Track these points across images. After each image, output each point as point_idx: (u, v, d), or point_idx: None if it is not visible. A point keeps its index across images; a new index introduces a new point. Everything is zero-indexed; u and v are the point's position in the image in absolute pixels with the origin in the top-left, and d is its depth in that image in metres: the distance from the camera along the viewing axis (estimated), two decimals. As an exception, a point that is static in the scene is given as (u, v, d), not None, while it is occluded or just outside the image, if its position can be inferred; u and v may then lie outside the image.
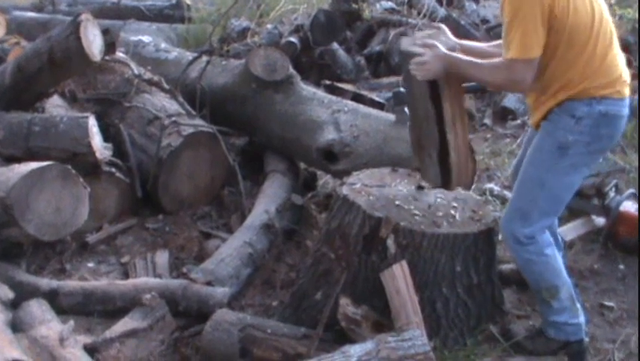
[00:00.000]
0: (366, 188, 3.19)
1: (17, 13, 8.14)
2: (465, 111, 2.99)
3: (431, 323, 2.96)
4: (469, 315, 3.10)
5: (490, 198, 4.41)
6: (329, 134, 4.03)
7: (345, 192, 3.12)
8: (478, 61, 2.75)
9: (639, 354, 3.04)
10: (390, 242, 2.95)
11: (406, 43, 2.90)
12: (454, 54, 2.81)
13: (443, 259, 2.97)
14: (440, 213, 3.07)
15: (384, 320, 2.86)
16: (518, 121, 5.67)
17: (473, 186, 4.42)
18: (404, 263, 2.88)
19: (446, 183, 2.99)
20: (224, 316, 2.96)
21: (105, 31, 4.08)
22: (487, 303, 3.17)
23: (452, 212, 3.12)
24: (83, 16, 3.82)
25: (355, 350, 2.25)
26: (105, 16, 7.87)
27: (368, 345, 2.27)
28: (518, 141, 5.35)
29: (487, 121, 5.73)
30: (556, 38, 2.64)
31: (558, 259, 2.97)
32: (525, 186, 2.87)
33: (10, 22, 7.64)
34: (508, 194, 4.44)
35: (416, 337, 2.24)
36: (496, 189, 4.52)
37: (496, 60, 2.72)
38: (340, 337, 2.82)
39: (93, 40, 3.88)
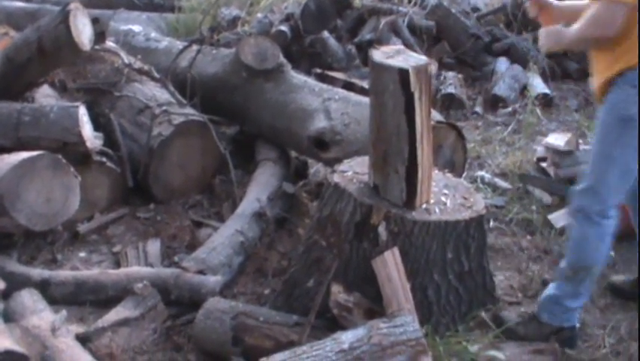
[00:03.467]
0: (358, 175, 3.19)
1: (5, 3, 8.07)
2: (430, 126, 2.95)
3: (423, 310, 2.97)
4: (461, 301, 3.11)
5: (481, 185, 4.43)
6: (320, 123, 4.02)
7: (337, 180, 3.12)
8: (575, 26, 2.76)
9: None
10: (382, 229, 2.95)
11: (378, 56, 2.87)
12: (562, 30, 2.85)
13: (434, 246, 2.97)
14: (431, 201, 3.08)
15: (376, 307, 2.86)
16: (509, 109, 5.69)
17: (464, 174, 4.45)
18: (395, 250, 2.88)
19: (410, 200, 2.96)
20: (216, 304, 2.97)
21: (95, 21, 4.05)
22: (478, 289, 3.18)
23: (443, 199, 3.12)
24: (72, 5, 3.80)
25: (347, 336, 2.26)
26: (95, 5, 7.79)
27: (359, 331, 2.28)
28: (509, 128, 5.38)
29: (478, 109, 5.73)
30: None
31: (608, 249, 2.98)
32: (594, 162, 2.85)
33: (-2, 13, 7.61)
34: (499, 181, 4.48)
35: (408, 323, 2.25)
36: (487, 176, 4.54)
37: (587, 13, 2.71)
38: (332, 324, 2.82)
39: (83, 30, 3.86)
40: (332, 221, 3.07)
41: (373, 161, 3.05)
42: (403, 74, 2.76)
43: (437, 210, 3.03)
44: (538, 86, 5.89)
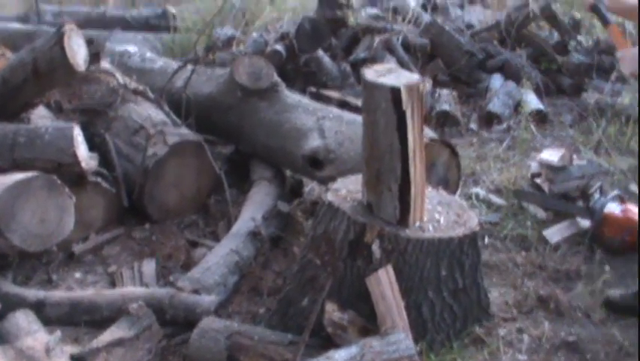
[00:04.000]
0: (351, 194, 3.20)
1: (1, 24, 8.12)
2: (423, 144, 2.97)
3: (417, 327, 2.97)
4: (455, 318, 3.11)
5: (475, 202, 4.44)
6: (314, 141, 4.04)
7: (330, 199, 3.13)
8: None
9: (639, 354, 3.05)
10: (376, 247, 2.96)
11: (370, 75, 2.89)
12: None
13: (428, 264, 2.98)
14: (425, 218, 3.09)
15: (370, 325, 2.87)
16: (504, 125, 5.71)
17: (459, 191, 4.46)
18: (389, 268, 2.89)
19: (403, 218, 2.97)
20: (210, 324, 2.97)
21: (90, 42, 4.06)
22: (472, 306, 3.18)
23: (437, 216, 3.13)
24: (67, 27, 3.81)
25: (340, 354, 2.27)
26: (91, 26, 7.86)
27: (352, 350, 2.28)
28: (504, 145, 5.39)
29: (472, 126, 5.76)
30: None
31: None
32: None
33: (-5, 34, 7.64)
34: (493, 198, 4.49)
35: (400, 340, 2.25)
36: (482, 193, 4.55)
37: None
38: (327, 343, 2.82)
39: (77, 51, 3.87)
40: (326, 239, 3.08)
41: (367, 179, 3.06)
42: (395, 92, 2.79)
43: (431, 227, 3.04)
44: (532, 102, 5.91)
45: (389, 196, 2.97)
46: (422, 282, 3.00)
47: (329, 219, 3.09)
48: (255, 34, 6.86)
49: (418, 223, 3.04)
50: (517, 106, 5.88)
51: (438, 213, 3.16)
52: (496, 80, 6.26)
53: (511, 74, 6.32)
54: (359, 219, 2.98)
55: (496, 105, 5.84)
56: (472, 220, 3.14)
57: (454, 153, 3.85)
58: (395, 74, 2.91)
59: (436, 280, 3.02)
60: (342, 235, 3.02)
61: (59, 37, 3.78)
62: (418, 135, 2.91)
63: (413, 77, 2.92)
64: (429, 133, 3.89)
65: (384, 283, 2.86)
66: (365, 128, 3.01)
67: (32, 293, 3.37)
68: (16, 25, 8.04)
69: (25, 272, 3.73)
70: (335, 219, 3.05)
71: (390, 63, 3.14)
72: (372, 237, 2.95)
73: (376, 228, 2.94)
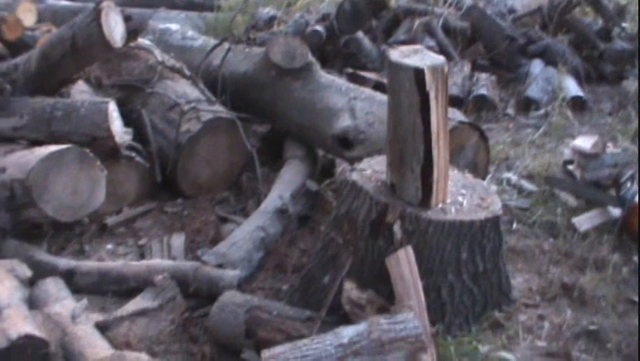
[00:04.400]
0: (376, 174, 3.21)
1: (51, 1, 8.29)
2: (447, 126, 2.96)
3: (436, 309, 2.98)
4: (475, 302, 3.11)
5: (506, 187, 4.42)
6: (344, 122, 4.07)
7: (354, 178, 3.15)
8: None
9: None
10: (397, 228, 2.97)
11: (395, 56, 2.89)
12: None
13: (449, 246, 2.98)
14: (448, 200, 3.09)
15: (389, 305, 2.89)
16: (541, 111, 5.63)
17: (490, 175, 4.45)
18: (409, 249, 2.90)
19: (425, 200, 2.98)
20: (231, 297, 3.03)
21: (127, 19, 4.15)
22: (493, 290, 3.17)
23: (460, 199, 3.13)
24: (105, 3, 3.91)
25: (347, 331, 2.30)
26: (136, 4, 7.98)
27: (360, 327, 2.31)
28: (540, 131, 5.34)
29: (509, 111, 5.70)
30: None
31: None
32: None
33: (45, 11, 7.80)
34: (525, 184, 4.45)
35: (409, 320, 2.27)
36: (514, 178, 4.51)
37: None
38: (344, 320, 2.84)
39: (114, 27, 3.97)
40: (348, 219, 3.10)
41: (390, 160, 3.07)
42: (419, 73, 2.78)
43: (453, 210, 3.04)
44: (571, 88, 5.82)
45: (411, 177, 2.98)
46: (442, 264, 3.01)
47: (352, 198, 3.11)
48: (296, 15, 6.88)
49: (440, 205, 3.04)
50: (556, 92, 5.80)
51: (461, 196, 3.16)
52: (537, 66, 6.18)
53: (551, 59, 6.23)
54: (381, 200, 2.99)
55: (534, 91, 5.77)
56: (496, 204, 3.12)
57: (483, 136, 3.84)
58: (420, 55, 2.91)
59: (456, 263, 3.02)
60: (364, 214, 3.04)
61: (97, 14, 3.88)
62: (442, 117, 2.91)
63: (438, 58, 2.91)
64: (458, 116, 3.88)
65: (403, 264, 2.87)
66: (389, 108, 3.02)
67: (63, 262, 3.49)
68: (65, 3, 8.21)
69: (59, 242, 3.85)
70: (358, 198, 3.08)
71: (418, 45, 3.09)
72: (394, 217, 2.97)
73: (398, 208, 2.96)
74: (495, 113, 5.66)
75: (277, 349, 2.31)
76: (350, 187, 3.14)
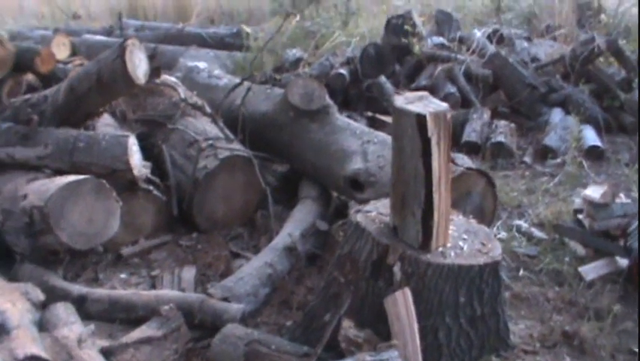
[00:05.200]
0: (380, 216, 3.29)
1: (87, 36, 8.59)
2: (450, 173, 3.03)
3: (433, 351, 3.03)
4: (472, 346, 3.14)
5: (516, 234, 4.46)
6: (356, 164, 4.16)
7: (359, 219, 3.23)
8: None
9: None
10: (397, 269, 3.04)
11: (399, 101, 2.98)
12: None
13: (447, 289, 3.03)
14: (449, 244, 3.15)
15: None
16: (558, 160, 5.68)
17: (499, 222, 4.50)
18: (407, 290, 2.96)
19: (426, 243, 3.04)
20: (233, 330, 3.10)
21: (151, 56, 4.31)
22: (490, 335, 3.21)
23: (461, 243, 3.19)
24: (129, 41, 4.06)
25: (334, 366, 2.36)
26: (169, 41, 8.25)
27: (346, 362, 2.38)
28: (555, 179, 5.38)
29: (526, 159, 5.75)
30: None
31: None
32: None
33: (80, 45, 8.11)
34: (535, 231, 4.49)
35: (393, 358, 2.33)
36: (524, 226, 4.55)
37: None
38: (341, 358, 2.92)
39: (138, 64, 4.11)
40: (351, 259, 3.18)
41: (392, 203, 3.14)
42: (421, 119, 2.87)
43: (452, 253, 3.09)
44: (589, 137, 5.87)
45: (412, 221, 3.04)
46: (440, 307, 3.06)
47: (355, 239, 3.18)
48: (322, 58, 7.04)
49: (440, 249, 3.10)
50: (574, 141, 5.84)
51: (462, 241, 3.21)
52: (557, 115, 6.24)
53: (572, 108, 6.28)
54: (383, 241, 3.06)
55: (552, 139, 5.82)
56: (496, 250, 3.17)
57: (490, 182, 3.90)
58: (425, 102, 3.00)
59: (454, 306, 3.07)
60: (366, 255, 3.11)
61: (121, 51, 4.02)
62: (444, 163, 2.98)
63: (441, 105, 3.00)
64: (466, 162, 3.95)
65: (401, 305, 2.93)
66: (393, 153, 3.10)
67: (76, 288, 3.60)
68: (100, 38, 8.50)
69: (75, 269, 3.98)
70: (361, 239, 3.15)
71: (422, 92, 3.17)
72: (394, 259, 3.03)
73: (399, 250, 3.03)
74: (512, 161, 5.72)
75: (265, 381, 2.38)
76: (354, 228, 3.22)
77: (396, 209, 3.13)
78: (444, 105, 3.01)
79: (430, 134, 2.89)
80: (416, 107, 2.93)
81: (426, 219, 3.02)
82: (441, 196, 3.01)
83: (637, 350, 3.39)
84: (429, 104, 2.99)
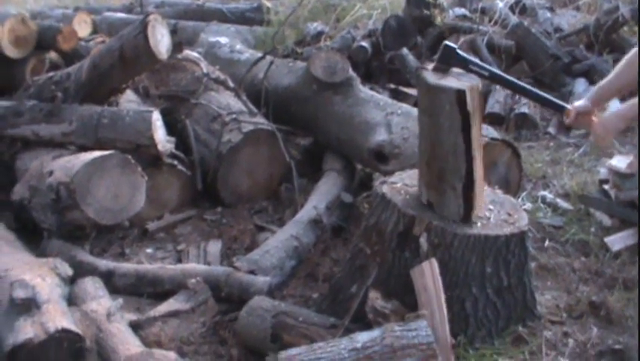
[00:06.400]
0: (406, 187, 3.28)
1: (108, 13, 8.60)
2: (481, 142, 3.03)
3: (459, 322, 3.03)
4: (498, 316, 3.14)
5: (541, 205, 4.43)
6: (380, 136, 4.15)
7: (384, 191, 3.22)
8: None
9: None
10: (423, 240, 3.03)
11: (431, 78, 2.95)
12: (615, 111, 2.85)
13: (474, 260, 3.03)
14: (477, 215, 3.14)
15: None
16: (583, 131, 5.61)
17: (525, 193, 4.47)
18: (434, 261, 2.96)
19: (467, 216, 3.04)
20: (260, 302, 3.12)
21: (173, 32, 4.31)
22: (517, 305, 3.20)
23: (487, 214, 3.18)
24: (151, 17, 4.06)
25: (362, 336, 2.37)
26: (190, 17, 8.24)
27: (375, 333, 2.39)
28: (580, 150, 5.33)
29: (551, 129, 5.71)
30: None
31: None
32: None
33: (101, 22, 8.12)
34: (560, 202, 4.46)
35: (421, 328, 2.34)
36: (549, 196, 4.52)
37: None
38: (368, 329, 2.92)
39: (160, 40, 4.12)
40: (377, 230, 3.18)
41: (427, 179, 3.12)
42: (460, 94, 2.86)
43: (479, 224, 3.09)
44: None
45: (453, 195, 3.03)
46: (466, 277, 3.05)
47: (381, 210, 3.18)
48: (344, 31, 6.99)
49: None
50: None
51: (489, 211, 3.20)
52: (581, 85, 6.16)
53: (596, 78, 6.20)
54: (409, 212, 3.05)
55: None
56: (522, 220, 3.16)
57: (515, 153, 3.88)
58: (454, 76, 2.98)
59: (481, 277, 3.06)
60: (392, 226, 3.10)
61: (144, 27, 4.03)
62: (478, 135, 2.99)
63: (472, 77, 2.98)
64: (491, 132, 3.93)
65: (428, 276, 2.93)
66: (426, 130, 3.08)
67: (103, 263, 3.64)
68: (121, 15, 8.50)
69: (102, 245, 4.01)
70: (387, 210, 3.14)
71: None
72: (421, 230, 3.03)
73: (425, 221, 3.02)
74: (536, 132, 5.68)
75: (293, 351, 2.40)
76: (380, 199, 3.21)
77: (431, 185, 3.10)
78: (474, 77, 2.99)
79: (469, 108, 2.88)
80: (450, 83, 2.91)
81: (467, 193, 3.01)
82: (478, 166, 3.00)
83: None
84: (460, 77, 2.97)
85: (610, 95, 3.17)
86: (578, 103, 3.21)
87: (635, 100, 2.80)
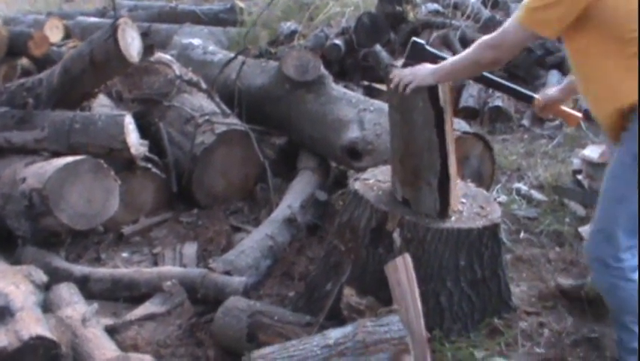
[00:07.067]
0: (379, 183, 3.30)
1: (81, 18, 8.55)
2: (454, 136, 3.05)
3: (435, 316, 3.05)
4: (473, 309, 3.16)
5: (516, 197, 4.46)
6: (353, 133, 4.16)
7: (357, 187, 3.23)
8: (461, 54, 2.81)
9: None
10: (396, 235, 3.05)
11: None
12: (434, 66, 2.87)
13: (447, 254, 3.04)
14: (448, 209, 3.15)
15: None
16: (556, 122, 5.66)
17: (499, 185, 4.50)
18: (407, 256, 2.96)
19: (443, 210, 3.06)
20: (235, 303, 3.12)
21: (144, 34, 4.29)
22: (492, 297, 3.22)
23: (460, 208, 3.20)
24: (121, 20, 4.05)
25: (335, 333, 2.38)
26: (163, 20, 8.21)
27: (347, 329, 2.39)
28: (554, 142, 5.37)
29: (525, 122, 5.75)
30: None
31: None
32: (605, 203, 2.69)
33: (75, 27, 8.08)
34: (535, 194, 4.49)
35: (393, 322, 2.34)
36: (524, 188, 4.56)
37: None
38: (343, 326, 2.93)
39: (131, 43, 4.10)
40: (350, 227, 3.19)
41: (401, 176, 3.13)
42: (433, 90, 2.88)
43: (452, 218, 3.11)
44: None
45: (428, 191, 3.05)
46: (441, 271, 3.07)
47: (354, 207, 3.19)
48: (317, 29, 7.00)
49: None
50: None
51: (462, 205, 3.22)
52: (554, 77, 6.21)
53: (568, 70, 6.23)
54: (381, 208, 3.07)
55: (549, 100, 5.79)
56: (495, 213, 3.18)
57: (487, 146, 3.90)
58: None
59: (455, 270, 3.08)
60: (365, 222, 3.12)
61: (113, 30, 4.01)
62: (450, 129, 3.01)
63: None
64: (463, 126, 3.95)
65: (401, 271, 2.92)
66: (398, 127, 3.10)
67: (79, 269, 3.62)
68: (94, 19, 8.46)
69: (77, 250, 3.99)
70: (359, 207, 3.16)
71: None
72: (394, 225, 3.04)
73: (397, 216, 3.03)
74: (510, 125, 5.72)
75: (266, 350, 2.40)
76: (352, 196, 3.22)
77: (406, 182, 3.12)
78: None
79: (442, 103, 2.90)
80: None
81: (442, 188, 3.03)
82: (452, 160, 3.02)
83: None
84: None
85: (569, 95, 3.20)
86: (546, 92, 3.23)
87: (452, 59, 2.83)
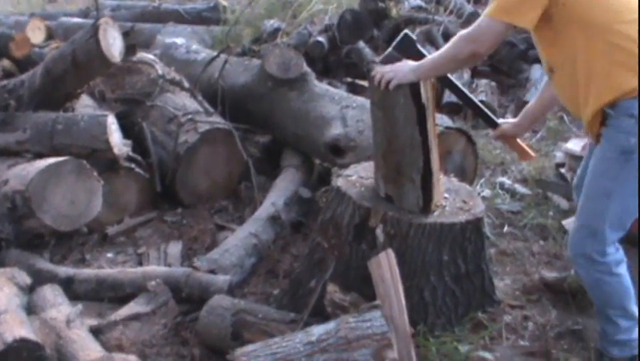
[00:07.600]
0: (361, 180, 3.30)
1: (64, 19, 8.50)
2: (436, 132, 3.05)
3: (419, 311, 3.06)
4: (457, 303, 3.18)
5: (500, 191, 4.48)
6: (336, 130, 4.17)
7: (339, 184, 3.24)
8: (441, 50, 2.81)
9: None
10: (379, 231, 3.05)
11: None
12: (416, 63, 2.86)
13: (430, 249, 3.05)
14: (431, 204, 3.16)
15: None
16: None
17: (483, 180, 4.51)
18: (390, 252, 2.96)
19: (426, 206, 3.06)
20: (219, 301, 3.12)
21: (126, 34, 4.28)
22: (476, 292, 3.24)
23: (442, 202, 3.21)
24: (103, 20, 4.04)
25: (317, 329, 2.38)
26: (146, 19, 8.18)
27: (330, 325, 2.40)
28: (538, 135, 5.40)
29: (508, 116, 5.75)
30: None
31: (628, 277, 2.80)
32: (590, 199, 2.70)
33: (57, 28, 8.03)
34: (518, 188, 4.52)
35: (376, 318, 2.35)
36: (508, 182, 4.58)
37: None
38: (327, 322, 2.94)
39: (113, 43, 4.10)
40: (333, 224, 3.19)
41: (384, 173, 3.14)
42: (414, 87, 2.89)
43: (435, 213, 3.12)
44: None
45: (411, 187, 3.05)
46: (424, 266, 3.08)
47: (337, 203, 3.20)
48: (300, 27, 6.99)
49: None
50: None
51: (445, 200, 3.23)
52: (537, 71, 6.22)
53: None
54: (364, 204, 3.07)
55: (533, 96, 5.77)
56: (478, 207, 3.19)
57: (470, 141, 3.91)
58: None
59: (438, 265, 3.09)
60: (348, 219, 3.12)
61: (95, 30, 4.00)
62: (433, 125, 3.01)
63: None
64: (445, 121, 3.96)
65: (384, 267, 2.93)
66: (380, 124, 3.09)
67: (63, 270, 3.61)
68: (77, 20, 8.41)
69: (62, 252, 3.97)
70: (342, 203, 3.16)
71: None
72: (376, 221, 3.05)
73: (380, 212, 3.04)
74: (493, 119, 5.71)
75: (249, 347, 2.41)
76: (335, 193, 3.23)
77: (389, 178, 3.12)
78: None
79: (424, 100, 2.90)
80: None
81: (425, 184, 3.04)
82: (435, 159, 3.03)
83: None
84: None
85: (536, 116, 3.20)
86: (508, 122, 3.26)
87: (432, 56, 2.85)
